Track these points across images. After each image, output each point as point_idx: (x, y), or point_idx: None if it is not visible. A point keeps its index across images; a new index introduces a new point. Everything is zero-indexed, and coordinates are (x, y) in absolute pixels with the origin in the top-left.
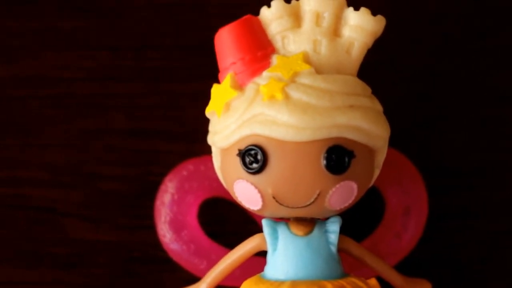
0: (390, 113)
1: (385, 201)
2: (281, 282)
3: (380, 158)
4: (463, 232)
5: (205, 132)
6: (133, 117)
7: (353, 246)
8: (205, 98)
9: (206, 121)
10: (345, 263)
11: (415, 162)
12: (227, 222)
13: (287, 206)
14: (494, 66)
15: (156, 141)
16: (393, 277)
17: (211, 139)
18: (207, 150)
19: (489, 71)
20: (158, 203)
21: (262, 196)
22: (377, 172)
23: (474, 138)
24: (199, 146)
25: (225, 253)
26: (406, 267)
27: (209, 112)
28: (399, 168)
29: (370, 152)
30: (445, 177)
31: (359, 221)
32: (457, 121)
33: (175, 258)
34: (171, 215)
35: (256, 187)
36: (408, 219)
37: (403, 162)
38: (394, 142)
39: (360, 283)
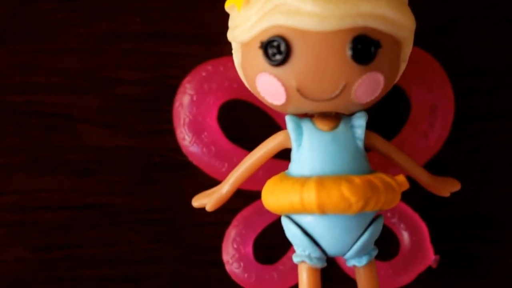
0: (416, 13)
1: (411, 101)
2: (307, 177)
3: (407, 50)
4: (491, 134)
5: (223, 34)
6: (149, 20)
7: (379, 142)
8: (223, 0)
9: (224, 23)
10: (372, 164)
11: (441, 63)
12: (248, 126)
13: (312, 99)
14: None
15: (173, 44)
16: (421, 174)
17: (231, 34)
18: (225, 53)
19: None
20: (176, 105)
21: (286, 89)
22: (403, 66)
23: (500, 39)
24: (217, 49)
25: None
26: (433, 171)
27: (228, 6)
28: (425, 66)
29: (396, 43)
30: (471, 78)
31: (384, 122)
32: (484, 20)
33: (195, 161)
34: (190, 117)
35: (279, 79)
36: (435, 117)
37: (428, 60)
38: (420, 42)
39: (388, 179)
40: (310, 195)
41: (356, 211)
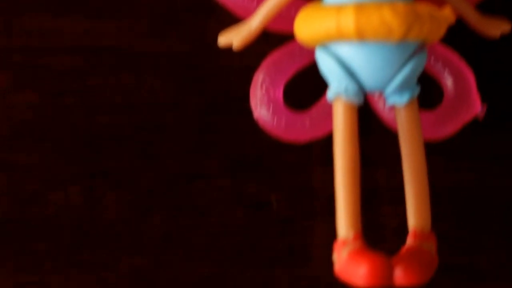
0: None
1: None
2: (345, 5)
3: None
4: None
5: None
6: None
7: None
8: None
9: None
10: None
11: None
12: None
13: None
14: None
15: None
16: (468, 10)
17: None
18: None
19: None
20: None
21: None
22: None
23: None
24: None
25: None
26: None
27: None
28: None
29: None
30: None
31: None
32: None
33: None
34: None
35: None
36: None
37: None
38: None
39: (432, 8)
40: (347, 19)
41: (398, 38)
